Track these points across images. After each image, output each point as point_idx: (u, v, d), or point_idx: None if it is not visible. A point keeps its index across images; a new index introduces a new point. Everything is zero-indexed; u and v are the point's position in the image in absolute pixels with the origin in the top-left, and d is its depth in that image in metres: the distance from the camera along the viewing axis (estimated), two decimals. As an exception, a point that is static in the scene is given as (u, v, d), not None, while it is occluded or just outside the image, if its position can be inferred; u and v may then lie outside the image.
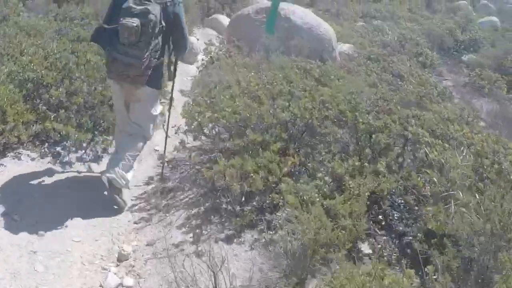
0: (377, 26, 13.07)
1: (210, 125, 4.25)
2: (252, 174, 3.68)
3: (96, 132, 5.17)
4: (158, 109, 4.31)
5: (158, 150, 5.19)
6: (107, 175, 4.03)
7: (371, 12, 15.83)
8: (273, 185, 3.71)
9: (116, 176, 4.01)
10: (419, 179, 4.06)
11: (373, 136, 4.30)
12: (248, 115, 3.98)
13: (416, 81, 8.61)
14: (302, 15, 9.01)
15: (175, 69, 4.33)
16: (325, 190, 3.55)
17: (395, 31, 12.66)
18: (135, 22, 3.62)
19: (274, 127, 4.09)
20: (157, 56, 3.89)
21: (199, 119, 4.22)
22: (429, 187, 4.07)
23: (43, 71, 5.15)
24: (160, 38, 3.86)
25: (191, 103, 4.53)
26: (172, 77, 4.35)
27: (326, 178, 3.61)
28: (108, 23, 3.86)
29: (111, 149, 5.06)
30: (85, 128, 4.99)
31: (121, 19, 3.67)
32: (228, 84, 4.70)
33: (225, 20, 11.51)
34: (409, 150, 4.43)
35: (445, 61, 13.28)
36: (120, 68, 3.81)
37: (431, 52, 12.27)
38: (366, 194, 3.54)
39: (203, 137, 4.42)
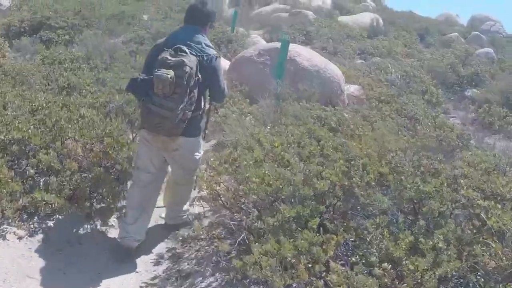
0: (379, 64, 12.62)
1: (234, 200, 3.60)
2: (291, 259, 3.04)
3: (94, 202, 4.48)
4: (200, 151, 4.17)
5: (163, 218, 4.53)
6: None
7: (369, 49, 15.43)
8: (319, 274, 3.05)
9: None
10: (479, 251, 3.45)
11: (423, 203, 3.70)
12: (280, 186, 3.35)
13: (432, 123, 8.07)
14: (308, 56, 8.48)
15: (207, 119, 4.18)
16: (385, 280, 2.91)
17: (398, 68, 12.21)
18: (169, 74, 3.53)
19: (309, 198, 3.46)
20: (192, 109, 3.77)
21: (221, 192, 3.59)
22: (493, 262, 3.47)
23: (30, 130, 4.38)
24: (196, 91, 3.75)
25: (207, 169, 3.89)
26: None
27: (385, 264, 2.97)
28: (145, 73, 3.80)
29: (112, 220, 4.41)
30: (81, 199, 4.30)
31: (156, 70, 3.58)
32: (248, 145, 4.07)
33: (223, 62, 10.96)
34: (463, 217, 3.82)
35: (449, 97, 12.84)
36: (155, 119, 3.70)
37: (435, 89, 11.82)
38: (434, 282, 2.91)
39: (223, 210, 3.77)
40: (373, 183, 3.87)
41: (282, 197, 3.48)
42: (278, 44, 9.05)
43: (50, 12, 12.23)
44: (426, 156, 4.21)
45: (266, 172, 3.40)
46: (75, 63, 8.14)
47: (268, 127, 5.11)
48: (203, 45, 3.82)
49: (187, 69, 3.57)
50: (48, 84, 6.49)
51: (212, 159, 3.88)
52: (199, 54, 3.75)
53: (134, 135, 4.96)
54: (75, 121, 4.70)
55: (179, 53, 3.63)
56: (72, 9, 12.97)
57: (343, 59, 13.11)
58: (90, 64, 8.42)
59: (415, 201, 3.85)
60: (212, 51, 3.87)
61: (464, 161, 5.32)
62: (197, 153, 4.07)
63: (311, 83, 7.82)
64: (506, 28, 28.15)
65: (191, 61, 3.62)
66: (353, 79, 9.93)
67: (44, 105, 4.92)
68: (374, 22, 19.04)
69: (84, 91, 6.26)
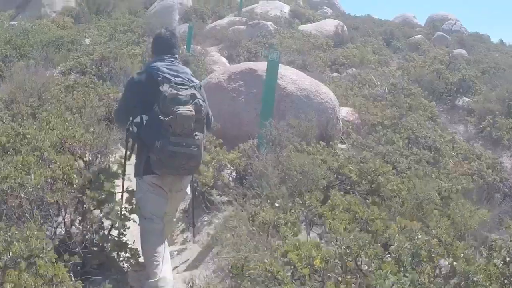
0: (360, 77, 11.00)
1: None
2: None
3: None
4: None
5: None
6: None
7: (340, 59, 13.83)
8: None
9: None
10: None
11: None
12: None
13: (456, 152, 6.44)
14: (294, 77, 6.68)
15: None
16: None
17: (384, 81, 10.61)
18: (191, 110, 3.35)
19: None
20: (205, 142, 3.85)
21: None
22: None
23: None
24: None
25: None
26: None
27: None
28: (132, 114, 3.51)
29: None
30: None
31: (173, 108, 3.29)
32: (267, 269, 2.21)
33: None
34: None
35: (439, 109, 11.32)
36: (181, 161, 3.40)
37: (428, 101, 10.30)
38: None
39: None
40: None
41: None
42: (251, 64, 7.28)
43: (-24, 44, 10.13)
44: None
45: None
46: (-8, 108, 6.05)
47: (277, 204, 3.28)
48: (189, 75, 3.66)
49: (200, 101, 3.43)
50: None
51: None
52: (191, 85, 3.53)
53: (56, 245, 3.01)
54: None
55: (178, 87, 3.40)
56: (2, 38, 10.92)
57: (317, 73, 11.36)
58: (13, 109, 6.32)
59: None
60: (197, 80, 3.71)
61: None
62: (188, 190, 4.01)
63: (304, 114, 6.02)
64: (466, 26, 27.32)
65: (198, 93, 3.47)
66: (342, 100, 8.20)
67: None
68: (339, 29, 17.48)
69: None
